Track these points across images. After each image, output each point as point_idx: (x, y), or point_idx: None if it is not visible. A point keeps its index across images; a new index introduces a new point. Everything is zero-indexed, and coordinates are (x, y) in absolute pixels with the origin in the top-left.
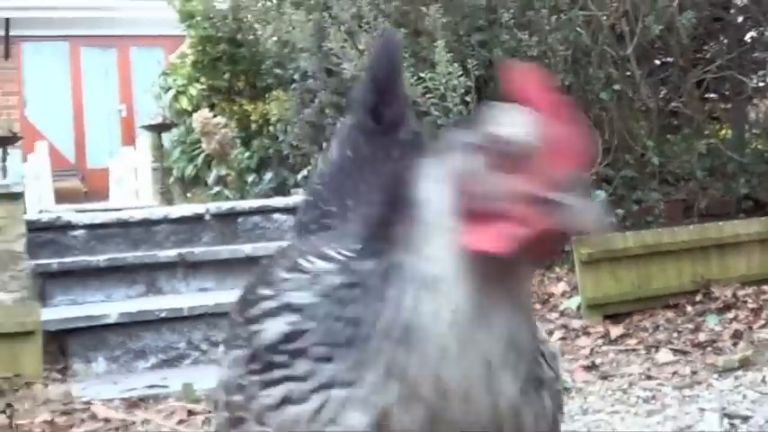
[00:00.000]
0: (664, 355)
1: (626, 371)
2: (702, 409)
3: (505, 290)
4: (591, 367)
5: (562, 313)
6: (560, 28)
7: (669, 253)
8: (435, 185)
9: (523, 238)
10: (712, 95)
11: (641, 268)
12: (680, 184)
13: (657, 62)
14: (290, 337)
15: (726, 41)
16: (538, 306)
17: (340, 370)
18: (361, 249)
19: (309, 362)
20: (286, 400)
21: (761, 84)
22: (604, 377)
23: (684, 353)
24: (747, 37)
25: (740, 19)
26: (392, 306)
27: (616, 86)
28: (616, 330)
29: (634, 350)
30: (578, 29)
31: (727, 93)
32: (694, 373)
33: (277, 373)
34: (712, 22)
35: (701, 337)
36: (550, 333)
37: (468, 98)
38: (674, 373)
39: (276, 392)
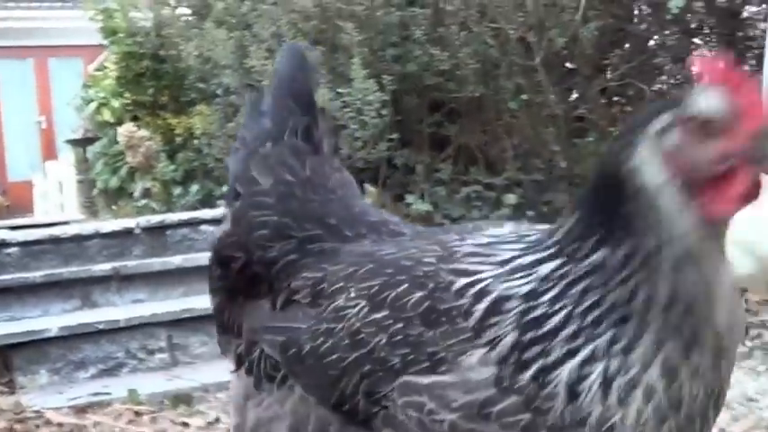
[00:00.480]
0: None
1: None
2: None
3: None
4: None
5: None
6: (470, 42)
7: None
8: (654, 167)
9: (743, 193)
10: (619, 99)
11: None
12: (587, 185)
13: (565, 70)
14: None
15: (629, 49)
16: None
17: (614, 335)
18: (571, 237)
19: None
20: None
21: (663, 87)
22: None
23: None
24: (651, 44)
25: (643, 27)
26: (657, 285)
27: (524, 96)
28: None
29: None
30: (487, 42)
31: (631, 97)
32: None
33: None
34: (616, 31)
35: None
36: None
37: (383, 111)
38: None
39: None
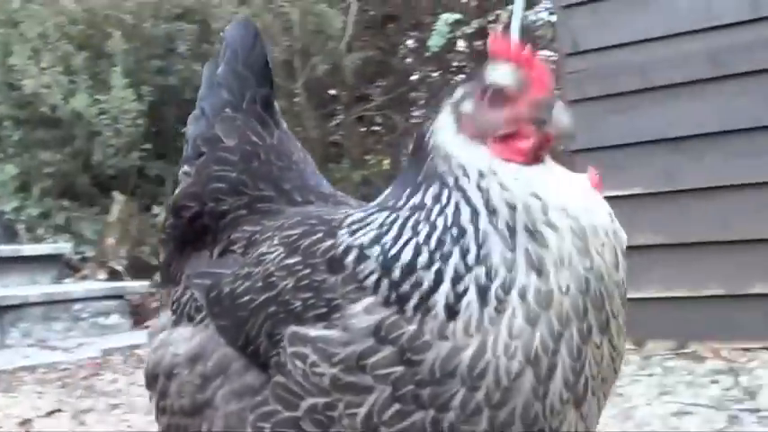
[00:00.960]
0: None
1: None
2: None
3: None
4: None
5: None
6: None
7: None
8: (448, 128)
9: (531, 147)
10: (376, 129)
11: None
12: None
13: (327, 96)
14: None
15: (391, 81)
16: None
17: (462, 248)
18: (388, 196)
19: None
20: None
21: (419, 120)
22: None
23: None
24: (413, 78)
25: (407, 61)
26: (471, 200)
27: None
28: None
29: None
30: None
31: (389, 127)
32: None
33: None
34: (380, 63)
35: None
36: None
37: (139, 121)
38: None
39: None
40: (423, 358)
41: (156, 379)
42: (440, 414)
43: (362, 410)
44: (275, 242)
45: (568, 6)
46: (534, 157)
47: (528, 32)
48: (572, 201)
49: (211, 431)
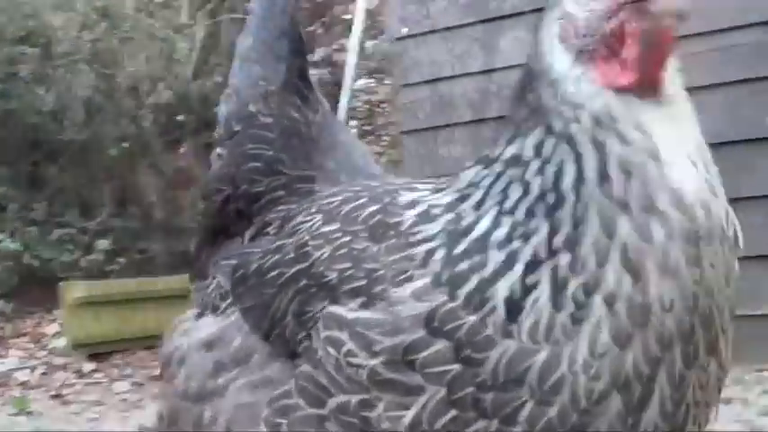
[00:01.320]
0: (121, 385)
1: (85, 398)
2: None
3: (663, 105)
4: (57, 396)
5: (50, 351)
6: (77, 85)
7: (150, 299)
8: (550, 46)
9: (639, 53)
10: None
11: (124, 312)
12: (184, 236)
13: (175, 122)
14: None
15: None
16: (31, 345)
17: (552, 224)
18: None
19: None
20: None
21: None
22: (66, 403)
23: (141, 384)
24: None
25: None
26: (582, 159)
27: (126, 143)
28: (89, 366)
29: (99, 382)
30: (97, 87)
31: None
32: (140, 400)
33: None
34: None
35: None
36: (34, 368)
37: None
38: (124, 400)
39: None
40: (485, 357)
41: (168, 365)
42: (505, 427)
43: (409, 414)
44: (313, 210)
45: (401, 39)
46: (648, 77)
47: (376, 61)
48: (690, 180)
49: (215, 421)
